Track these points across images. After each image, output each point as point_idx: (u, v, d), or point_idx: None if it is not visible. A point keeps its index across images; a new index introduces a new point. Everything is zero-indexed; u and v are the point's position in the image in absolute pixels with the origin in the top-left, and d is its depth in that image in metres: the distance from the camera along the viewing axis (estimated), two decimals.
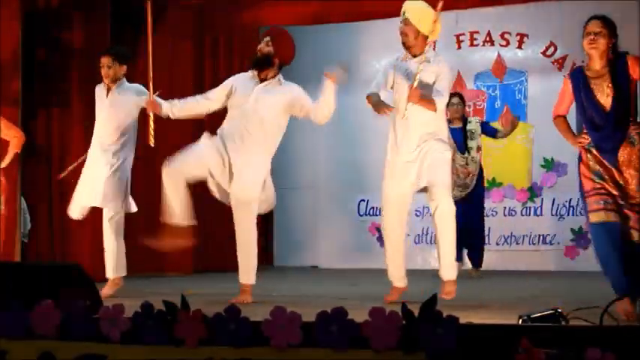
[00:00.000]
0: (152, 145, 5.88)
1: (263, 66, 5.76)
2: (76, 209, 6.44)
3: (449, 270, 5.48)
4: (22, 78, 7.22)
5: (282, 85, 5.81)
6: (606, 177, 4.69)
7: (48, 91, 7.83)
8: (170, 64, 8.47)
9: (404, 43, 5.52)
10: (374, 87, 5.66)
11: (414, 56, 5.50)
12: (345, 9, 8.28)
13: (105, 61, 6.40)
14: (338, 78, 5.56)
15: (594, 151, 4.74)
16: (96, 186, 6.28)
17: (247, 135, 5.70)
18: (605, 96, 4.69)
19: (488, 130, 7.80)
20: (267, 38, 5.78)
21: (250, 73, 5.86)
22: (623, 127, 4.67)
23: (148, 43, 5.99)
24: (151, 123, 5.88)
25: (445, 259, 5.46)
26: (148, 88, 5.98)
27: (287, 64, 5.88)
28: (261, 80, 5.78)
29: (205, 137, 5.81)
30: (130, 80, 6.48)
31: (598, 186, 4.68)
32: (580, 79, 4.79)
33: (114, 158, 6.33)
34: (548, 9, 8.60)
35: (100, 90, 6.49)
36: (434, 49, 8.59)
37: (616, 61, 4.70)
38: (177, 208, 5.63)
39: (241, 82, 5.86)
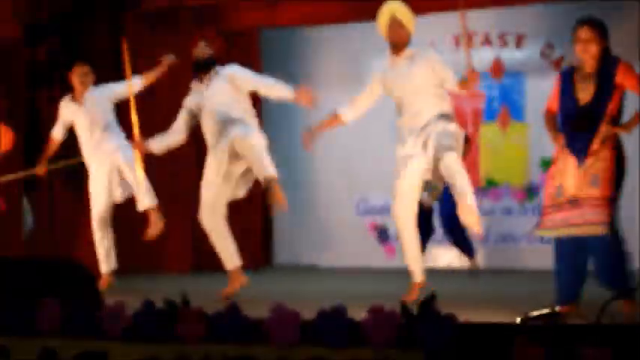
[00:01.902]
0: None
1: (209, 68, 6.01)
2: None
3: None
4: (24, 78, 7.24)
5: (221, 73, 6.03)
6: (565, 187, 4.76)
7: (50, 91, 7.83)
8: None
9: (398, 44, 5.62)
10: (348, 106, 5.85)
11: (398, 55, 5.63)
12: (344, 9, 8.28)
13: (87, 69, 6.75)
14: (302, 101, 5.91)
15: (567, 153, 4.80)
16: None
17: (227, 132, 5.87)
18: (587, 95, 4.75)
19: None
20: (204, 42, 6.05)
21: (192, 84, 6.11)
22: (594, 127, 4.70)
23: (129, 84, 6.23)
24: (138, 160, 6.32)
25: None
26: (133, 131, 6.27)
27: None
28: (201, 81, 6.04)
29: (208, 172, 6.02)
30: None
31: (556, 203, 4.79)
32: (567, 76, 4.86)
33: (112, 153, 6.73)
34: (546, 10, 8.59)
35: (68, 103, 6.79)
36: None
37: (606, 65, 4.73)
38: (227, 251, 6.12)
39: (192, 98, 6.10)
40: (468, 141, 8.15)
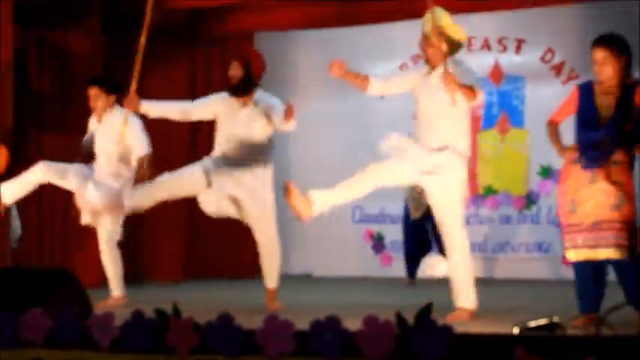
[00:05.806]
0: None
1: (241, 92, 5.77)
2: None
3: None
4: (14, 86, 7.20)
5: (262, 102, 5.81)
6: (579, 200, 4.73)
7: (39, 100, 7.79)
8: (164, 69, 8.45)
9: (427, 60, 5.33)
10: (380, 77, 5.49)
11: (434, 68, 5.30)
12: (341, 13, 8.26)
13: (92, 92, 6.35)
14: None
15: (577, 166, 4.78)
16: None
17: (247, 157, 5.76)
18: (609, 109, 4.70)
19: None
20: (236, 63, 5.76)
21: (229, 97, 5.84)
22: (613, 143, 4.66)
23: (142, 36, 5.84)
24: (125, 124, 5.93)
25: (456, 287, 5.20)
26: (130, 83, 5.78)
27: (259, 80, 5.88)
28: (243, 103, 5.79)
29: (202, 166, 5.82)
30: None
31: (574, 221, 4.75)
32: (588, 89, 4.82)
33: (116, 181, 6.34)
34: (546, 14, 8.56)
35: (92, 121, 6.52)
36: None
37: (626, 89, 4.71)
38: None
39: (225, 105, 5.85)
40: None
